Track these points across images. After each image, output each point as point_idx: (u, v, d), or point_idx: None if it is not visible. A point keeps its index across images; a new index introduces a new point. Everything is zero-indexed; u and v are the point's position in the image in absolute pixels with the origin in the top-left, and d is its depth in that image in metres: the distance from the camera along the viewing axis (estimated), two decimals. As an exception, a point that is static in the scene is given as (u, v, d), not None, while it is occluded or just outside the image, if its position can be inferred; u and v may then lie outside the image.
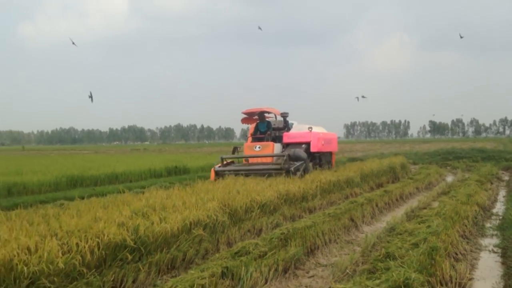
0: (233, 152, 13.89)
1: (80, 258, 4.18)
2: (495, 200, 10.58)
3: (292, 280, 4.98)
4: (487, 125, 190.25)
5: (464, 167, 20.94)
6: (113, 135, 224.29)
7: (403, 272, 4.02)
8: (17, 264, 3.76)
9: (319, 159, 13.99)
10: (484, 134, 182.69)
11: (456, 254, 5.50)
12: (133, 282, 4.44)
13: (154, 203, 6.43)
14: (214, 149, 51.01)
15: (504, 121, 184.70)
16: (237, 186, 8.39)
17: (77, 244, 4.32)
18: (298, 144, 12.85)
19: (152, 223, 5.29)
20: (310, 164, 12.56)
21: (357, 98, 19.00)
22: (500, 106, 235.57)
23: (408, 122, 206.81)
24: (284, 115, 13.84)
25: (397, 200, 10.73)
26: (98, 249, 4.42)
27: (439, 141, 64.41)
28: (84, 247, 4.30)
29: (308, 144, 12.87)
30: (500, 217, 8.19)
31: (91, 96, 15.23)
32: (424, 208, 8.74)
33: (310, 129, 13.19)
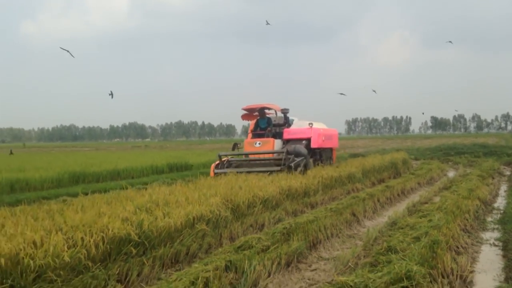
0: (233, 148, 13.89)
1: (85, 252, 4.23)
2: (497, 195, 10.62)
3: (295, 273, 5.03)
4: (489, 120, 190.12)
5: (466, 162, 20.97)
6: (113, 132, 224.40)
7: (404, 265, 4.07)
8: (23, 258, 3.81)
9: (320, 155, 13.97)
10: (486, 130, 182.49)
11: (458, 247, 5.55)
12: (138, 275, 4.49)
13: (157, 199, 6.47)
14: (215, 146, 51.08)
15: (506, 117, 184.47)
16: (240, 182, 8.43)
17: (82, 238, 4.37)
18: (299, 140, 12.81)
19: (156, 218, 5.33)
20: (311, 160, 12.55)
21: (341, 94, 19.16)
22: (502, 101, 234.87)
23: (410, 118, 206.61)
24: (285, 111, 13.80)
25: (398, 195, 10.78)
26: (103, 243, 4.47)
27: (441, 137, 64.50)
28: (89, 241, 4.35)
29: (308, 140, 12.85)
30: (501, 211, 8.23)
31: (111, 94, 15.34)
32: (426, 202, 8.78)
33: (310, 125, 13.18)
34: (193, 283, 3.85)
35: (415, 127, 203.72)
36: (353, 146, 42.27)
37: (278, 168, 10.81)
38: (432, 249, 4.69)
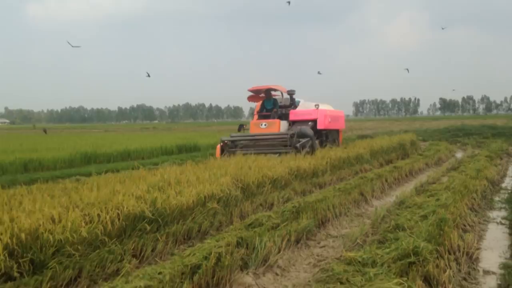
0: (239, 130, 13.90)
1: (102, 228, 4.37)
2: (505, 175, 10.67)
3: (304, 250, 5.15)
4: (498, 102, 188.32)
5: (474, 143, 20.95)
6: (122, 114, 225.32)
7: (412, 241, 4.16)
8: (42, 233, 3.94)
9: (326, 137, 13.95)
10: (495, 111, 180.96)
11: (464, 225, 5.64)
12: (152, 251, 4.62)
13: (169, 178, 6.59)
14: (222, 128, 51.21)
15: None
16: (249, 162, 8.54)
17: (98, 215, 4.51)
18: (305, 121, 12.81)
19: (168, 197, 5.46)
20: (317, 142, 12.55)
21: (318, 72, 19.09)
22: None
23: (418, 100, 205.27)
24: (291, 93, 13.80)
25: (406, 175, 10.85)
26: (119, 220, 4.61)
27: (449, 118, 64.17)
28: (105, 217, 4.49)
29: (314, 121, 12.83)
30: (509, 191, 8.30)
31: (148, 75, 15.47)
32: (434, 183, 8.85)
33: (316, 107, 13.17)
34: (206, 258, 3.97)
35: (423, 108, 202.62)
36: (361, 127, 42.19)
37: (285, 150, 10.86)
38: (439, 227, 4.79)
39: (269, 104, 13.66)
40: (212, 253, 4.02)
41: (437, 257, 4.09)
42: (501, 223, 6.13)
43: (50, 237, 3.93)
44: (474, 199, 7.01)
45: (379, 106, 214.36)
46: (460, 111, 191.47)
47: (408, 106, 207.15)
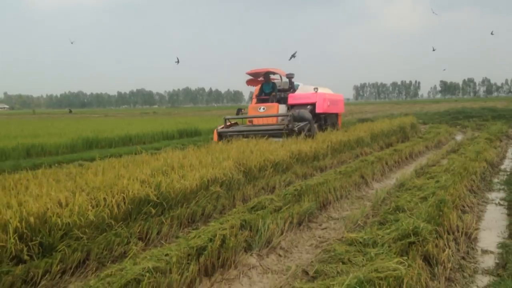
0: (237, 114, 13.74)
1: (108, 211, 4.46)
2: (504, 157, 10.74)
3: (306, 231, 5.25)
4: (499, 84, 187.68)
5: (474, 126, 20.99)
6: (121, 99, 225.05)
7: (412, 222, 4.25)
8: (50, 217, 4.03)
9: (325, 121, 13.90)
10: (495, 94, 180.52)
11: (464, 206, 5.73)
12: (158, 233, 4.71)
13: (172, 162, 6.67)
14: (223, 112, 51.08)
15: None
16: (251, 146, 8.60)
17: (104, 198, 4.59)
18: (303, 105, 12.74)
19: (172, 181, 5.53)
20: (315, 125, 12.51)
21: (292, 55, 18.77)
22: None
23: (419, 83, 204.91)
24: (290, 76, 13.72)
25: (406, 158, 10.91)
26: (124, 203, 4.70)
27: (450, 101, 64.01)
28: (111, 201, 4.57)
29: (313, 105, 12.76)
30: (508, 173, 8.38)
31: (177, 61, 15.36)
32: (433, 165, 8.94)
33: (315, 90, 13.07)
34: (211, 240, 4.07)
35: (424, 91, 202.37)
36: (361, 111, 42.18)
37: (282, 127, 10.89)
38: (438, 208, 4.88)
39: (268, 87, 13.61)
40: (217, 235, 4.12)
41: (437, 237, 4.19)
42: (500, 204, 6.22)
43: (58, 220, 4.01)
44: (473, 181, 7.10)
45: (379, 89, 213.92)
46: (460, 93, 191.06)
47: (408, 89, 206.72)
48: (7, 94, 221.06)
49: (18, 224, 3.78)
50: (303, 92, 13.48)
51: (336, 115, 15.27)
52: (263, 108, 12.35)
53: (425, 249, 3.86)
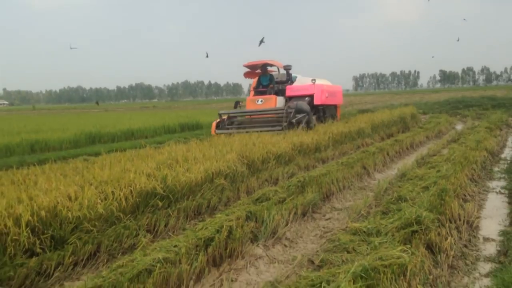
0: (235, 107, 13.77)
1: (117, 204, 4.55)
2: (504, 146, 10.82)
3: (310, 222, 5.34)
4: (498, 73, 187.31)
5: (474, 115, 21.08)
6: (120, 93, 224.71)
7: (414, 211, 4.34)
8: (61, 210, 4.12)
9: (323, 112, 13.87)
10: (495, 82, 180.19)
11: (465, 195, 5.81)
12: (165, 226, 4.80)
13: (176, 156, 6.74)
14: (222, 105, 51.17)
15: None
16: (253, 138, 8.68)
17: (112, 192, 4.68)
18: (301, 97, 12.69)
19: (177, 174, 5.62)
20: (314, 117, 12.51)
21: (261, 41, 18.69)
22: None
23: (418, 72, 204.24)
24: (287, 68, 13.64)
25: (407, 148, 10.99)
26: (132, 196, 4.79)
27: (449, 91, 64.01)
28: (119, 194, 4.66)
29: (311, 96, 12.71)
30: (508, 162, 8.46)
31: (207, 55, 15.24)
32: (434, 155, 9.01)
33: (313, 82, 13.01)
34: (218, 231, 4.16)
35: (423, 81, 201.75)
36: (361, 102, 42.19)
37: (280, 128, 10.72)
38: (440, 197, 4.96)
39: (265, 80, 13.54)
40: (224, 226, 4.21)
41: (439, 226, 4.28)
42: (501, 193, 6.30)
43: (69, 214, 4.11)
44: (474, 169, 7.18)
45: (378, 79, 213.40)
46: (460, 83, 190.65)
47: (408, 79, 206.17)
48: (6, 90, 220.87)
49: (30, 218, 3.87)
50: (302, 84, 13.41)
51: (335, 106, 15.23)
52: (261, 101, 12.26)
53: (428, 238, 3.94)
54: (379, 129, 13.27)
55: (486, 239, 4.50)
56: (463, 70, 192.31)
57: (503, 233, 4.53)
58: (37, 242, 3.82)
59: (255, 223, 4.71)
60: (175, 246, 3.81)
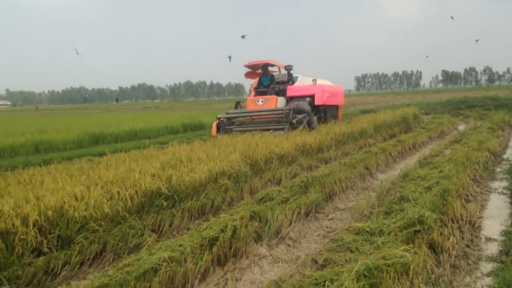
0: (236, 107, 13.69)
1: (122, 204, 4.60)
2: (506, 146, 10.84)
3: (314, 222, 5.38)
4: (501, 73, 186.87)
5: (477, 115, 21.07)
6: (123, 94, 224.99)
7: (417, 211, 4.38)
8: (67, 210, 4.18)
9: (324, 113, 13.81)
10: (497, 82, 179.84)
11: (467, 195, 5.85)
12: (170, 226, 4.85)
13: (180, 156, 6.79)
14: (225, 105, 51.19)
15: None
16: (256, 139, 8.73)
17: (118, 192, 4.74)
18: (302, 97, 12.61)
19: (181, 174, 5.67)
20: (315, 118, 12.45)
21: (242, 36, 18.74)
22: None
23: (420, 73, 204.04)
24: (288, 68, 13.56)
25: (410, 149, 11.02)
26: (137, 196, 4.84)
27: (452, 91, 63.86)
28: (125, 194, 4.72)
29: (312, 97, 12.63)
30: (510, 162, 8.48)
31: (229, 58, 15.03)
32: (437, 155, 9.04)
33: (314, 82, 12.95)
34: (222, 231, 4.20)
35: (425, 81, 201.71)
36: (363, 102, 42.18)
37: (280, 127, 10.73)
38: (443, 197, 5.00)
39: (266, 80, 13.47)
40: (228, 226, 4.26)
41: (441, 226, 4.32)
42: (503, 193, 6.33)
43: (75, 213, 4.16)
44: (476, 170, 7.21)
45: (381, 80, 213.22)
46: (462, 83, 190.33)
47: (410, 79, 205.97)
48: (9, 91, 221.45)
49: (37, 218, 3.93)
50: (302, 84, 13.33)
51: (336, 107, 15.19)
52: (262, 101, 12.19)
53: (430, 237, 3.98)
54: (381, 130, 13.30)
55: (488, 239, 4.54)
56: (465, 70, 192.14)
57: (505, 233, 4.56)
58: (44, 241, 3.87)
59: (259, 223, 4.76)
60: (180, 245, 3.86)
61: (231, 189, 6.14)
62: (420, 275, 3.34)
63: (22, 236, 3.74)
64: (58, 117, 33.63)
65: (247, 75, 14.25)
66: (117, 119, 24.09)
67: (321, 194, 6.03)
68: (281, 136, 9.37)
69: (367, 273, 3.10)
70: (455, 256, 3.97)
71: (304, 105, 11.91)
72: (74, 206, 4.25)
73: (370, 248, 3.82)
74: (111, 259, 4.08)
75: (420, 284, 3.24)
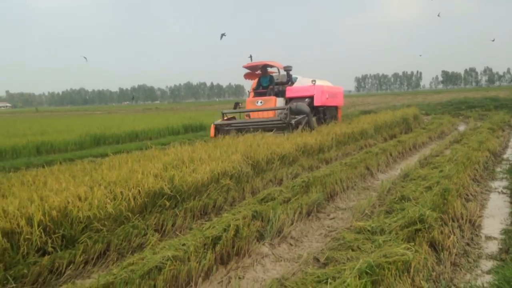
0: (235, 108, 13.58)
1: (126, 204, 4.64)
2: (506, 147, 10.88)
3: (315, 221, 5.42)
4: (501, 73, 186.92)
5: (477, 116, 21.11)
6: (123, 95, 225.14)
7: (418, 210, 4.43)
8: (71, 210, 4.22)
9: (324, 113, 13.77)
10: (497, 83, 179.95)
11: (467, 195, 5.89)
12: (172, 225, 4.89)
13: (182, 157, 6.83)
14: (225, 106, 51.14)
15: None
16: (257, 139, 8.77)
17: (121, 192, 4.78)
18: (301, 98, 12.53)
19: (184, 174, 5.71)
20: (314, 119, 12.42)
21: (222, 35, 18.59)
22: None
23: (420, 73, 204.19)
24: (288, 69, 13.49)
25: (410, 149, 11.06)
26: (140, 196, 4.88)
27: (452, 91, 63.98)
28: (128, 194, 4.76)
29: (311, 98, 12.57)
30: (510, 162, 8.52)
31: (251, 57, 14.70)
32: (437, 155, 9.08)
33: (313, 83, 12.88)
34: (225, 230, 4.24)
35: (425, 82, 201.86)
36: (363, 103, 42.26)
37: (279, 119, 10.68)
38: (443, 196, 5.04)
39: (265, 81, 13.41)
40: (231, 225, 4.30)
41: (442, 224, 4.36)
42: (503, 193, 6.37)
43: (79, 213, 4.20)
44: (477, 170, 7.25)
45: (381, 80, 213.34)
46: (462, 83, 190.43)
47: (410, 80, 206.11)
48: (9, 93, 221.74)
49: (42, 218, 3.96)
50: (302, 85, 13.26)
51: (336, 108, 15.13)
52: (261, 102, 12.12)
53: (431, 236, 4.02)
54: (382, 130, 13.34)
55: (488, 238, 4.57)
56: (465, 70, 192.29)
57: (505, 232, 4.60)
58: (49, 241, 3.91)
59: (261, 222, 4.80)
60: (183, 244, 3.90)
61: (233, 189, 6.18)
62: (421, 272, 3.39)
63: (27, 236, 3.78)
64: (59, 119, 33.69)
65: (247, 76, 14.19)
66: (118, 121, 24.15)
67: (322, 194, 6.07)
68: (282, 136, 9.41)
69: (369, 271, 3.14)
70: (456, 254, 4.01)
71: (303, 106, 11.86)
72: (78, 206, 4.29)
73: (372, 246, 3.85)
74: (115, 259, 4.12)
75: (421, 281, 3.29)
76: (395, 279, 3.12)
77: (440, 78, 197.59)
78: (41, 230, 3.89)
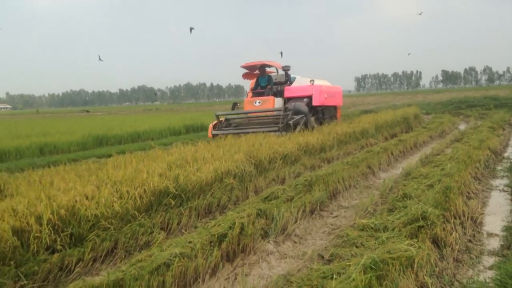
0: (233, 108, 13.53)
1: (132, 203, 4.72)
2: (507, 145, 10.93)
3: (318, 219, 5.48)
4: (501, 72, 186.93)
5: (477, 115, 21.18)
6: (123, 96, 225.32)
7: (420, 207, 4.49)
8: (79, 209, 4.29)
9: (322, 113, 13.72)
10: (497, 82, 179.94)
11: (469, 193, 5.95)
12: (178, 224, 4.95)
13: (185, 156, 6.90)
14: (225, 107, 51.34)
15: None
16: (259, 139, 8.84)
17: (127, 191, 4.85)
18: (300, 98, 12.47)
19: (188, 173, 5.78)
20: (312, 119, 12.39)
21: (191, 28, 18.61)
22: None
23: (420, 73, 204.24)
24: (286, 69, 13.41)
25: (411, 148, 11.11)
26: (146, 195, 4.95)
27: (452, 91, 63.94)
28: (134, 193, 4.83)
29: (310, 97, 12.50)
30: (511, 160, 8.58)
31: (281, 53, 14.31)
32: (438, 154, 9.15)
33: (312, 82, 12.81)
34: (230, 228, 4.31)
35: (425, 81, 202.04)
36: (363, 102, 42.31)
37: (276, 128, 10.56)
38: (445, 194, 5.11)
39: (264, 81, 13.36)
40: (236, 223, 4.36)
41: (444, 221, 4.43)
42: (504, 190, 6.43)
43: (87, 212, 4.27)
44: (478, 168, 7.31)
45: (381, 80, 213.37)
46: (462, 83, 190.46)
47: (410, 80, 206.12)
48: (9, 94, 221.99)
49: (51, 216, 4.04)
50: (300, 84, 13.19)
51: (335, 108, 15.08)
52: (259, 102, 12.09)
53: (434, 232, 4.09)
54: (382, 129, 13.40)
55: (490, 234, 4.63)
56: (465, 70, 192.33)
57: (506, 229, 4.66)
58: (58, 239, 3.98)
59: (266, 220, 4.86)
60: (190, 242, 3.96)
61: (236, 188, 6.25)
62: (424, 268, 3.45)
63: (36, 234, 3.85)
64: (60, 120, 33.76)
65: (245, 76, 14.11)
66: (120, 121, 24.23)
67: (325, 193, 6.13)
68: (284, 136, 9.47)
69: (373, 266, 3.20)
70: (458, 251, 4.07)
71: (302, 105, 11.80)
72: (85, 205, 4.36)
73: (375, 243, 3.92)
74: (123, 256, 4.19)
75: (425, 277, 3.35)
76: (399, 274, 3.19)
77: (440, 78, 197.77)
78: (50, 229, 3.96)
